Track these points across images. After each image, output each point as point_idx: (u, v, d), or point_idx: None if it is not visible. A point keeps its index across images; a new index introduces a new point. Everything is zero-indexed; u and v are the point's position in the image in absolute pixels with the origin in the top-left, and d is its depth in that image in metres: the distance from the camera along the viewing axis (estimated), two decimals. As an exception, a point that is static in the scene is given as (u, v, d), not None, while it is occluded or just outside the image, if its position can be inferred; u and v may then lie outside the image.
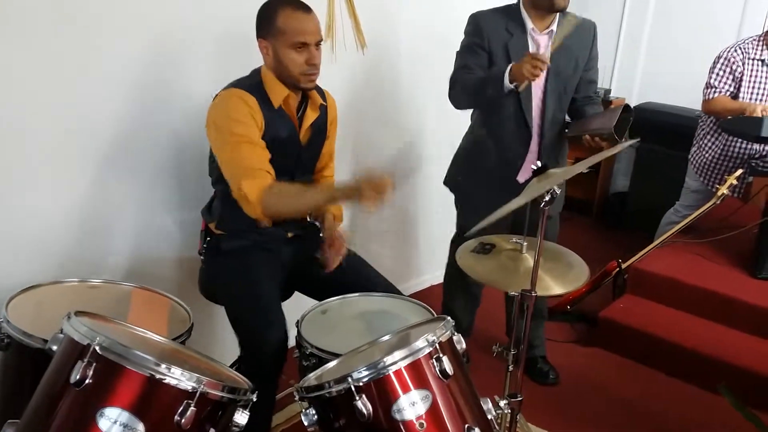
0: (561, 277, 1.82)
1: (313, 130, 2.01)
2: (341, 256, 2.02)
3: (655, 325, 3.01)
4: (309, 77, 1.88)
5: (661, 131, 4.29)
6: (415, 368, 1.35)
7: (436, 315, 1.78)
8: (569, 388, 2.75)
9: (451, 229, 2.71)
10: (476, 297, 2.79)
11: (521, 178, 2.44)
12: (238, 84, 1.90)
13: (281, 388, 1.99)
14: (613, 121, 2.21)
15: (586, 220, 4.80)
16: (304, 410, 1.41)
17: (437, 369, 1.36)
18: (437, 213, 3.36)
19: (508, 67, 2.19)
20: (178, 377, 1.24)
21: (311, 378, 1.51)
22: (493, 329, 2.96)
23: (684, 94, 4.19)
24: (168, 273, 2.35)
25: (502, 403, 1.59)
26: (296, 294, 2.14)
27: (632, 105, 4.49)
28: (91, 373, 1.21)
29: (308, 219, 2.08)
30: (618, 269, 3.18)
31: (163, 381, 1.24)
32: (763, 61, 3.20)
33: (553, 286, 1.78)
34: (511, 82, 2.19)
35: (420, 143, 3.32)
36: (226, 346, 1.88)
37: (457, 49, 2.42)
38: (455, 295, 2.77)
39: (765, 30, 3.21)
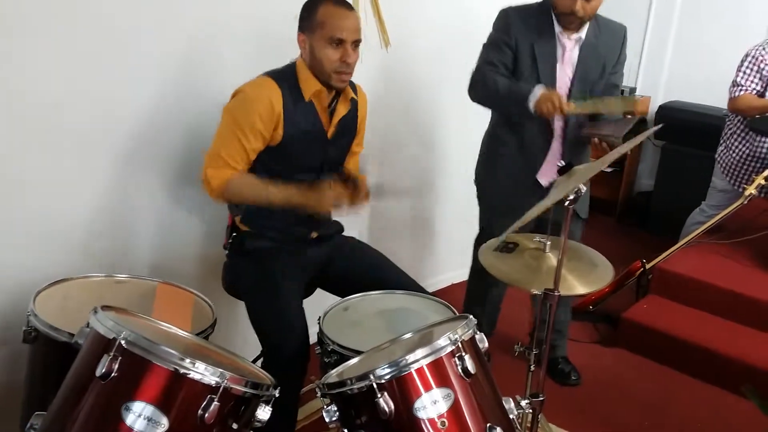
0: (584, 277, 1.80)
1: (341, 125, 2.00)
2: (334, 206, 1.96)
3: (679, 326, 2.97)
4: (341, 76, 1.88)
5: (686, 130, 4.24)
6: (437, 366, 1.35)
7: (458, 313, 1.78)
8: (591, 389, 2.73)
9: (473, 228, 2.70)
10: (499, 296, 2.77)
11: (541, 178, 2.42)
12: (271, 73, 1.92)
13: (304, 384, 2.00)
14: (624, 131, 2.20)
15: (609, 220, 4.76)
16: (325, 406, 1.42)
17: (459, 368, 1.35)
18: (458, 211, 3.34)
19: (533, 94, 2.19)
20: (202, 372, 1.25)
21: (333, 375, 1.51)
22: (515, 330, 2.94)
23: (711, 92, 4.14)
24: (192, 269, 2.37)
25: (523, 403, 1.58)
26: (319, 290, 2.15)
27: (658, 103, 4.48)
28: (116, 366, 1.23)
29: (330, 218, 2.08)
30: (642, 269, 3.15)
31: (188, 375, 1.25)
32: (791, 59, 3.14)
33: (576, 286, 1.76)
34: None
35: (443, 142, 3.31)
36: (249, 341, 1.90)
37: (481, 46, 2.40)
38: (478, 294, 2.75)
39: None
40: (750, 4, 4.27)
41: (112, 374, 1.22)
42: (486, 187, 2.59)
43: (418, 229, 3.37)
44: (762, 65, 3.17)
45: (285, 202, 1.87)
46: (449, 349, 1.36)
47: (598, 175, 2.17)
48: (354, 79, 1.98)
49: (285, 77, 1.89)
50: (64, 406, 1.27)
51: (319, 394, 1.46)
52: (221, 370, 1.27)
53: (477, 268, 2.67)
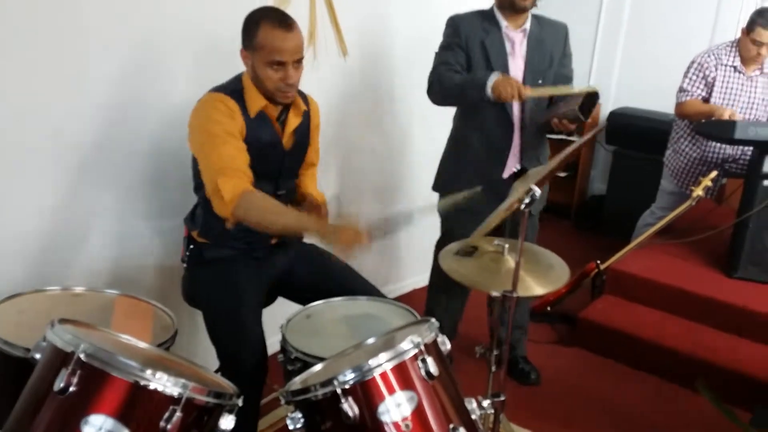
0: (542, 278, 1.84)
1: (297, 136, 2.01)
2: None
3: (634, 324, 3.06)
4: (284, 94, 1.88)
5: (636, 136, 4.38)
6: (401, 370, 1.36)
7: (420, 317, 1.80)
8: (550, 388, 2.79)
9: (434, 233, 2.73)
10: (460, 300, 2.81)
11: (506, 174, 2.49)
12: (220, 88, 1.91)
13: (265, 394, 1.99)
14: (577, 103, 2.27)
15: (565, 223, 4.87)
16: (289, 414, 1.42)
17: (422, 370, 1.37)
18: (420, 217, 3.37)
19: (490, 79, 2.25)
20: (163, 383, 1.24)
21: (297, 382, 1.51)
22: (476, 332, 2.98)
23: (659, 99, 4.27)
24: (151, 280, 2.34)
25: (485, 403, 1.60)
26: (281, 298, 2.14)
27: (609, 110, 4.61)
28: (75, 380, 1.21)
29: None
30: (596, 270, 3.23)
31: (148, 387, 1.23)
32: (735, 67, 3.28)
33: (534, 287, 1.81)
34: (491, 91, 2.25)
35: (406, 148, 3.35)
36: (211, 352, 1.88)
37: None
38: (439, 299, 2.78)
39: (737, 38, 3.29)
40: (692, 15, 4.44)
41: (71, 388, 1.20)
42: (451, 190, 2.63)
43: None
44: (707, 72, 3.30)
45: (301, 231, 1.85)
46: (412, 352, 1.38)
47: (553, 180, 2.23)
48: (313, 86, 1.99)
49: (234, 92, 1.88)
50: (21, 422, 1.24)
51: (283, 402, 1.46)
52: (183, 380, 1.26)
53: (438, 273, 2.71)
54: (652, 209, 3.67)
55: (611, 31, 4.79)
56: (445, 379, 1.42)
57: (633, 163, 4.43)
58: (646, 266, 3.29)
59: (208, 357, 2.22)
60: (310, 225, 1.81)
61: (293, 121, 1.99)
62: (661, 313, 3.15)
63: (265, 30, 1.80)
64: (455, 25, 2.44)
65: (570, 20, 2.59)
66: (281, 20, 1.82)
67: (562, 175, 4.84)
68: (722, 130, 3.05)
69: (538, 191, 1.67)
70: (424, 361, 1.37)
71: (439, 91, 2.44)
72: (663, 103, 4.14)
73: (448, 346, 1.52)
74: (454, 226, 2.55)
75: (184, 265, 2.06)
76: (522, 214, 1.69)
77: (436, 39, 2.50)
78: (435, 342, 1.46)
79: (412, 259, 3.47)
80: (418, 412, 1.35)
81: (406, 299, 3.38)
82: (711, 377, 2.67)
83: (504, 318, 1.84)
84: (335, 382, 1.32)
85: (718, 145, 3.32)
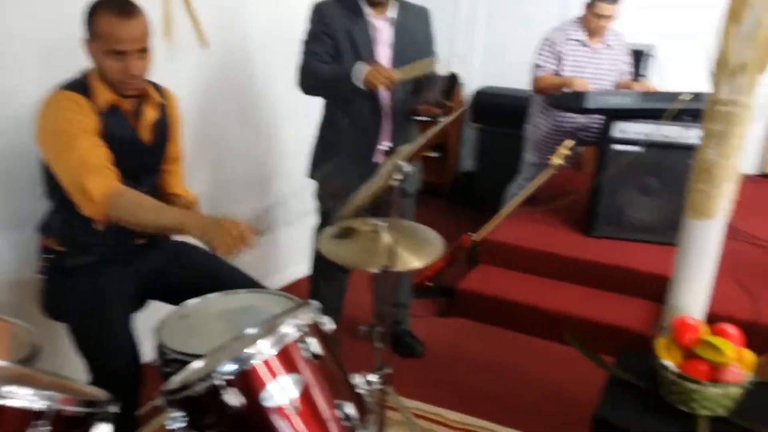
0: (419, 252, 1.89)
1: (156, 130, 1.93)
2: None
3: (507, 289, 3.23)
4: (127, 85, 1.79)
5: (500, 113, 4.60)
6: (284, 354, 1.35)
7: (299, 302, 1.78)
8: (435, 359, 2.88)
9: (312, 220, 2.72)
10: (342, 282, 2.83)
11: (378, 158, 2.52)
12: (65, 85, 1.79)
13: (144, 404, 1.90)
14: (438, 88, 2.35)
15: (439, 201, 5.02)
16: (169, 415, 1.36)
17: (306, 352, 1.37)
18: (298, 205, 3.34)
19: (358, 71, 2.28)
20: (28, 398, 1.15)
21: (175, 381, 1.45)
22: (361, 314, 3.01)
23: (520, 77, 4.49)
24: (5, 296, 2.15)
25: (370, 378, 1.63)
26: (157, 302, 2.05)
27: (474, 90, 4.79)
28: None
29: None
30: (471, 242, 3.37)
31: (7, 405, 1.14)
32: (581, 41, 3.52)
33: (412, 261, 1.85)
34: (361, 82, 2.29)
35: (278, 138, 3.29)
36: (80, 365, 1.77)
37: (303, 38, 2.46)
38: (321, 283, 2.79)
39: (582, 14, 3.53)
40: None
41: None
42: (323, 176, 2.63)
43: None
44: (556, 47, 3.52)
45: (180, 229, 1.72)
46: (294, 335, 1.37)
47: (425, 161, 2.29)
48: (173, 80, 1.91)
49: (80, 87, 1.78)
50: None
51: (162, 403, 1.40)
52: (49, 392, 1.17)
53: (318, 257, 2.72)
54: (517, 181, 3.88)
55: (472, 12, 4.97)
56: (329, 358, 1.42)
57: (498, 139, 4.65)
58: (515, 234, 3.48)
59: (77, 372, 2.09)
60: (190, 222, 1.71)
61: (150, 115, 1.90)
62: (532, 276, 3.34)
63: (103, 18, 1.71)
64: (320, 13, 2.43)
65: (431, 4, 2.65)
66: (120, 7, 1.72)
67: (434, 155, 4.99)
68: (574, 101, 3.27)
69: (407, 166, 1.71)
70: (306, 343, 1.37)
71: (309, 83, 2.45)
72: (523, 80, 4.37)
73: (332, 326, 1.52)
74: (331, 210, 2.55)
75: (42, 277, 1.92)
76: (395, 192, 1.72)
77: (298, 26, 2.48)
78: (316, 323, 1.46)
79: (292, 247, 3.44)
80: (305, 394, 1.34)
81: (292, 289, 3.35)
82: (580, 329, 2.86)
83: (385, 294, 1.87)
84: (215, 374, 1.28)
85: (572, 115, 3.56)
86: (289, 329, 1.36)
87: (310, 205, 2.71)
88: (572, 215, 3.62)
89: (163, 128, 1.97)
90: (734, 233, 3.40)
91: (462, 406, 2.54)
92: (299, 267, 3.44)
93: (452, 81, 2.40)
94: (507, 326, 3.15)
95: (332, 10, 2.42)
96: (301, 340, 1.37)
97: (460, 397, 2.62)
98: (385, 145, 2.53)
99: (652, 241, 3.26)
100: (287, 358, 1.35)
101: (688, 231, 1.93)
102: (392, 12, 2.46)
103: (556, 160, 3.34)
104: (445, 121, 1.92)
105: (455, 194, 5.03)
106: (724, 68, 1.80)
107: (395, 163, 1.72)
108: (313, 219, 2.72)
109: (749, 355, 1.73)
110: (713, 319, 1.88)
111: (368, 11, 2.42)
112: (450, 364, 2.87)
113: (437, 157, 5.02)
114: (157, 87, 1.94)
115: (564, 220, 3.62)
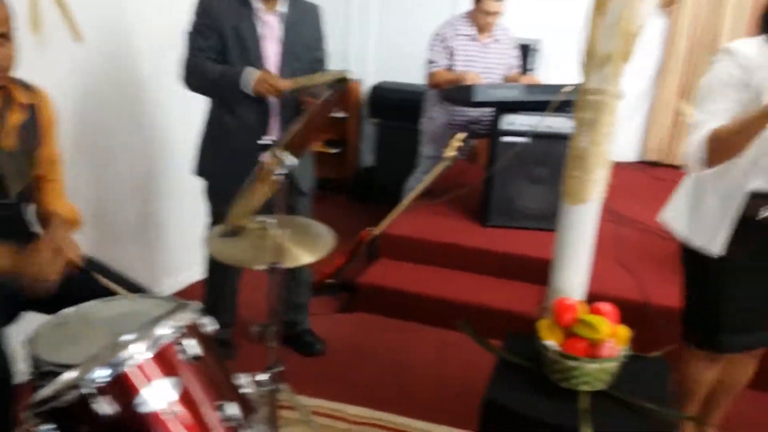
0: (310, 247, 1.87)
1: (23, 134, 1.78)
2: (59, 267, 1.73)
3: (406, 281, 3.27)
4: None
5: (396, 108, 4.64)
6: (160, 357, 1.30)
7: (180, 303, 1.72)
8: (336, 356, 2.87)
9: (203, 221, 2.64)
10: (234, 282, 2.75)
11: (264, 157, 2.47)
12: None
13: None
14: (323, 87, 2.34)
15: (341, 197, 5.01)
16: (40, 428, 1.28)
17: (184, 354, 1.33)
18: (189, 207, 3.24)
19: (246, 78, 2.28)
20: None
21: (46, 391, 1.36)
22: (259, 316, 2.95)
23: (414, 72, 4.56)
24: None
25: (260, 377, 1.60)
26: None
27: (369, 85, 4.82)
28: None
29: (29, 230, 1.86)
30: (370, 237, 3.38)
31: None
32: (470, 36, 3.61)
33: (302, 256, 1.83)
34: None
35: (165, 137, 3.17)
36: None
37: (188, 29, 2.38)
38: (214, 285, 2.71)
39: (471, 9, 3.62)
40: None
41: None
42: (211, 175, 2.56)
43: (146, 231, 3.19)
44: (447, 42, 3.59)
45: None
46: (171, 337, 1.32)
47: (324, 157, 2.27)
48: (46, 77, 1.77)
49: None
50: None
51: (29, 417, 1.31)
52: None
53: (209, 259, 2.64)
54: (415, 174, 3.92)
55: (364, 8, 4.98)
56: (209, 359, 1.39)
57: (395, 133, 4.69)
58: (413, 227, 3.53)
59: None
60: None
61: (15, 117, 1.75)
62: (430, 267, 3.40)
63: None
64: (206, 6, 2.34)
65: (323, 1, 2.62)
66: None
67: (334, 151, 4.98)
68: (464, 94, 3.35)
69: (290, 159, 1.68)
70: (184, 344, 1.33)
71: (195, 82, 2.38)
72: (418, 75, 4.44)
73: (214, 326, 1.48)
74: (221, 210, 2.49)
75: None
76: (283, 186, 1.70)
77: (186, 18, 2.39)
78: (196, 324, 1.42)
79: (184, 251, 3.33)
80: (185, 396, 1.30)
81: (186, 293, 3.25)
82: (476, 316, 2.93)
83: (277, 292, 1.84)
84: (86, 382, 1.22)
85: (464, 109, 3.64)
86: (164, 331, 1.32)
87: (202, 205, 2.63)
88: (468, 206, 3.71)
89: (33, 132, 1.82)
90: (616, 217, 3.62)
91: (361, 400, 2.55)
92: (192, 271, 3.33)
93: (342, 82, 2.38)
94: (407, 318, 3.19)
95: (219, 3, 2.34)
96: (177, 342, 1.33)
97: (360, 391, 2.63)
98: (267, 139, 2.49)
99: (543, 228, 3.38)
100: (164, 361, 1.31)
101: (565, 216, 2.01)
102: (283, 7, 2.41)
103: (450, 153, 3.42)
104: (315, 108, 1.91)
105: (356, 190, 5.04)
106: (592, 59, 1.88)
107: (277, 157, 1.69)
108: (204, 219, 2.64)
109: (624, 331, 1.83)
110: (595, 298, 1.96)
111: (258, 5, 2.36)
112: (350, 359, 2.87)
113: (337, 152, 5.01)
114: (25, 85, 1.80)
115: (460, 211, 3.71)
